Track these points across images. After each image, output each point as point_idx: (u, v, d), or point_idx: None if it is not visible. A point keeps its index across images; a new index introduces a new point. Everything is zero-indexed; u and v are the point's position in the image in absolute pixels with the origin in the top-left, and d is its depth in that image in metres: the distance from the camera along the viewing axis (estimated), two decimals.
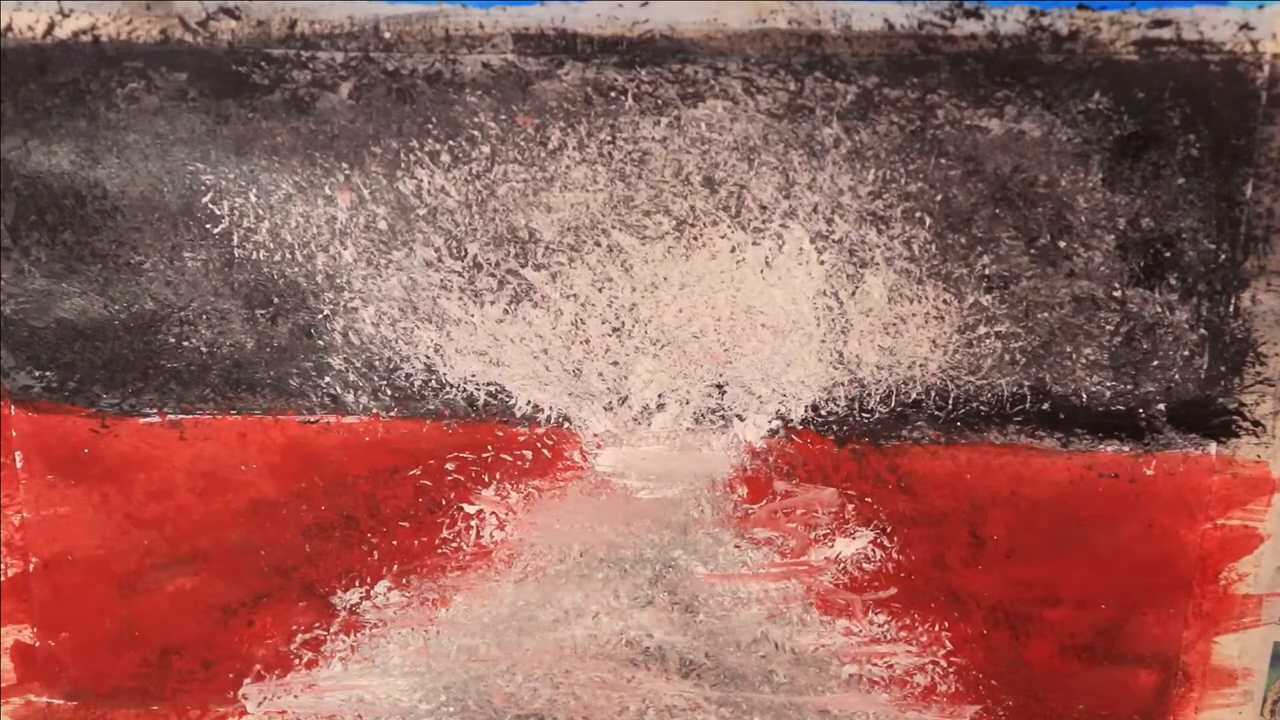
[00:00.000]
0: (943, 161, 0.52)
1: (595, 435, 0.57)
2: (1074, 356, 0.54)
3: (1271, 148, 0.50)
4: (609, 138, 0.52)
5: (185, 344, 0.55)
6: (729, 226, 0.53)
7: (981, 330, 0.54)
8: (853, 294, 0.54)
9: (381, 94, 0.51)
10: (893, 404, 0.56)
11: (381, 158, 0.52)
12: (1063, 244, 0.53)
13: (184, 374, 0.56)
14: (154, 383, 0.56)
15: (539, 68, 0.51)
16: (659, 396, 0.56)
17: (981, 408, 0.56)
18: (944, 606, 0.59)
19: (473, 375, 0.56)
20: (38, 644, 0.60)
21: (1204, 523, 0.57)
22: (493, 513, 0.58)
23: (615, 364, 0.55)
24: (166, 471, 0.57)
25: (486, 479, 0.57)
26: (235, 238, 0.53)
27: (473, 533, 0.58)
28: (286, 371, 0.56)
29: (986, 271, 0.53)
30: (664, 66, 0.51)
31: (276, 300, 0.54)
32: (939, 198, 0.52)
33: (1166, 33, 0.49)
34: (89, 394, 0.56)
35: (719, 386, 0.56)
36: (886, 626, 0.60)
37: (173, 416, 0.56)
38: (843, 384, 0.55)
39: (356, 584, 0.59)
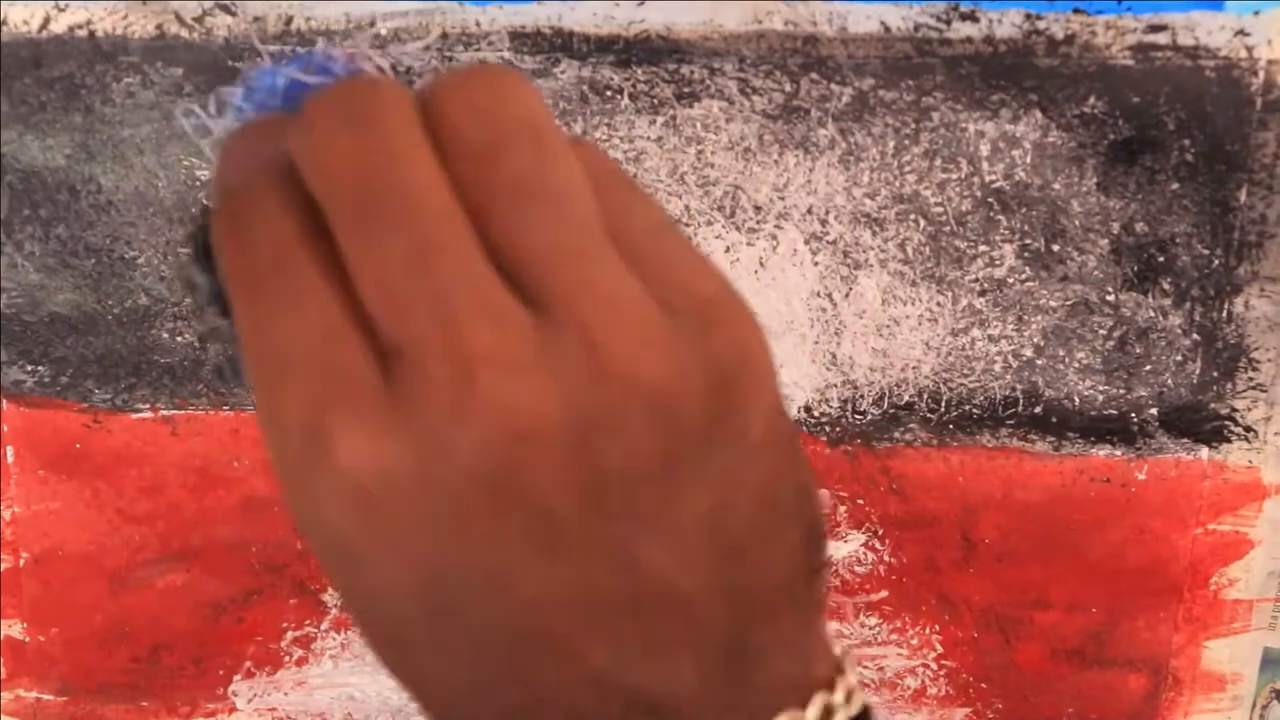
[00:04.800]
0: (937, 164, 0.52)
1: None
2: (1066, 360, 0.55)
3: (1265, 154, 0.51)
4: (605, 136, 0.52)
5: (178, 339, 0.55)
6: (724, 226, 0.53)
7: (974, 333, 0.54)
8: (846, 295, 0.54)
9: None
10: (885, 406, 0.56)
11: None
12: (1056, 247, 0.53)
13: (177, 369, 0.55)
14: (147, 378, 0.56)
15: (535, 66, 0.51)
16: None
17: (974, 410, 0.56)
18: (935, 609, 0.59)
19: None
20: (28, 639, 0.60)
21: (1195, 527, 0.57)
22: None
23: None
24: (158, 467, 0.57)
25: None
26: None
27: None
28: None
29: (980, 274, 0.53)
30: (660, 66, 0.51)
31: None
32: (933, 200, 0.52)
33: (1162, 38, 0.49)
34: (81, 389, 0.56)
35: None
36: (877, 629, 0.60)
37: (165, 412, 0.56)
38: (835, 385, 0.55)
39: None
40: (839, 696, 0.25)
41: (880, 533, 0.58)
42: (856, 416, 0.56)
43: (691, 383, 0.22)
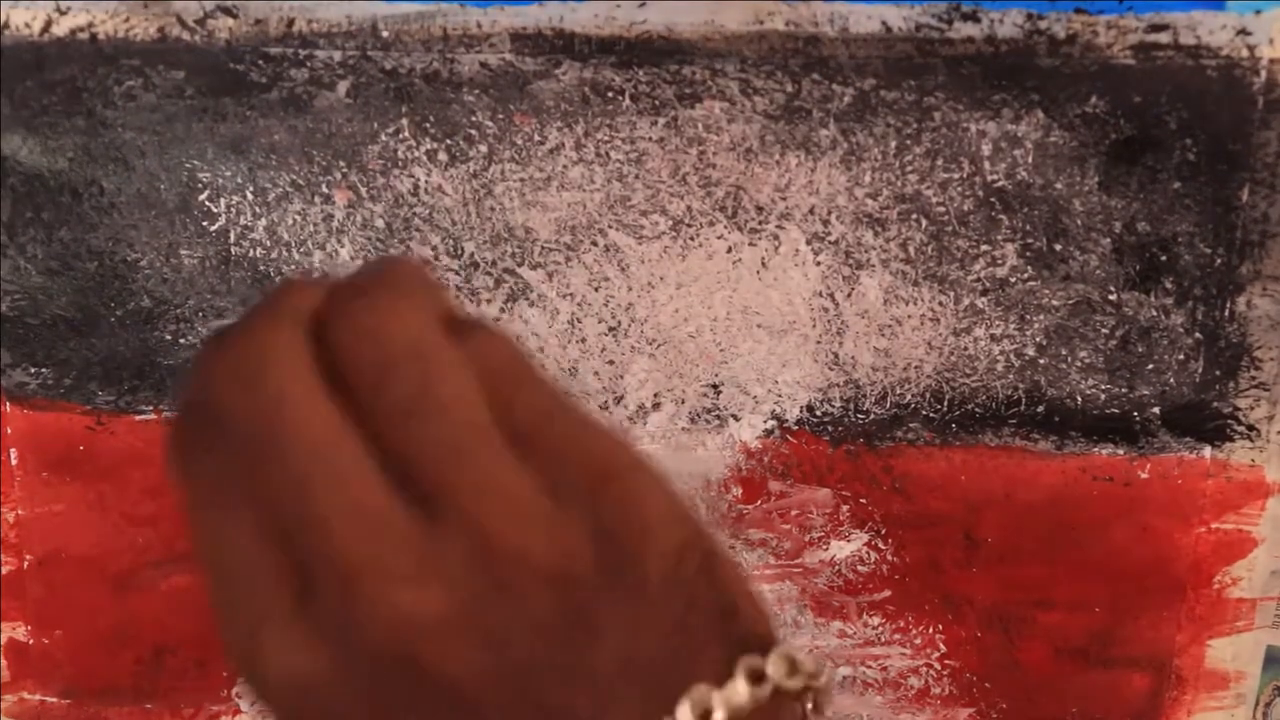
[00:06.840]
0: (939, 164, 0.52)
1: None
2: (1069, 359, 0.55)
3: (1268, 153, 0.51)
4: (606, 138, 0.52)
5: (182, 341, 0.55)
6: (725, 227, 0.53)
7: (977, 333, 0.54)
8: (849, 295, 0.54)
9: (379, 93, 0.51)
10: (888, 405, 0.56)
11: (379, 156, 0.52)
12: (1059, 247, 0.53)
13: (180, 371, 0.56)
14: (150, 380, 0.56)
15: (536, 67, 0.51)
16: (654, 396, 0.56)
17: (976, 410, 0.56)
18: (938, 609, 0.59)
19: None
20: (31, 641, 0.60)
21: (1198, 526, 0.57)
22: None
23: (611, 363, 0.55)
24: (162, 469, 0.57)
25: None
26: (232, 235, 0.53)
27: None
28: None
29: (982, 274, 0.53)
30: (661, 67, 0.51)
31: None
32: (935, 200, 0.52)
33: (1164, 37, 0.49)
34: (85, 391, 0.56)
35: (714, 386, 0.56)
36: (881, 629, 0.60)
37: (168, 414, 0.56)
38: (838, 385, 0.55)
39: None
40: None
41: (883, 532, 0.58)
42: (859, 416, 0.56)
43: (580, 549, 0.25)
